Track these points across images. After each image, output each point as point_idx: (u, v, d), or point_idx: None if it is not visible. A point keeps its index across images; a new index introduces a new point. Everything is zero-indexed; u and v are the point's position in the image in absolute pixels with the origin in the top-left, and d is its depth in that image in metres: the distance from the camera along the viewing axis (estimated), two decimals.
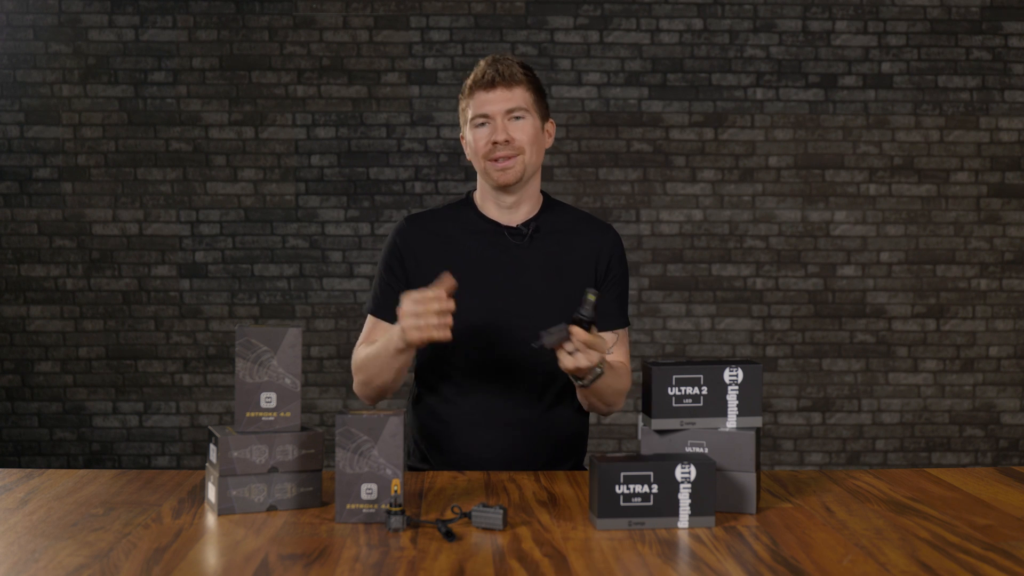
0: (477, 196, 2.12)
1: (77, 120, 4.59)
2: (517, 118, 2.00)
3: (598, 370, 1.85)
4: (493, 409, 2.02)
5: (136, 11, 4.57)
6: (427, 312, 1.76)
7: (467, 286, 1.97)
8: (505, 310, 2.01)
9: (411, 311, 1.77)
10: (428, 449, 2.08)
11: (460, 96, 2.08)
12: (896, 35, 4.68)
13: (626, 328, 2.12)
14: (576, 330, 1.72)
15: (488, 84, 1.99)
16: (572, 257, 2.07)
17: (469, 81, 2.03)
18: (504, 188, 2.03)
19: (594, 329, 1.75)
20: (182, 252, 4.62)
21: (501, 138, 1.98)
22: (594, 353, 1.75)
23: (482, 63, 2.03)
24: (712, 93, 4.67)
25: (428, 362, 2.09)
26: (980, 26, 4.68)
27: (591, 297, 1.71)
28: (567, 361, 1.75)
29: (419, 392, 2.13)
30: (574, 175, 4.65)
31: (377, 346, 1.96)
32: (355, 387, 2.07)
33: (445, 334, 1.77)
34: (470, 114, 2.02)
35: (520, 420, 2.02)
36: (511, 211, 2.07)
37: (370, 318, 2.09)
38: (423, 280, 2.02)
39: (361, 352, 2.03)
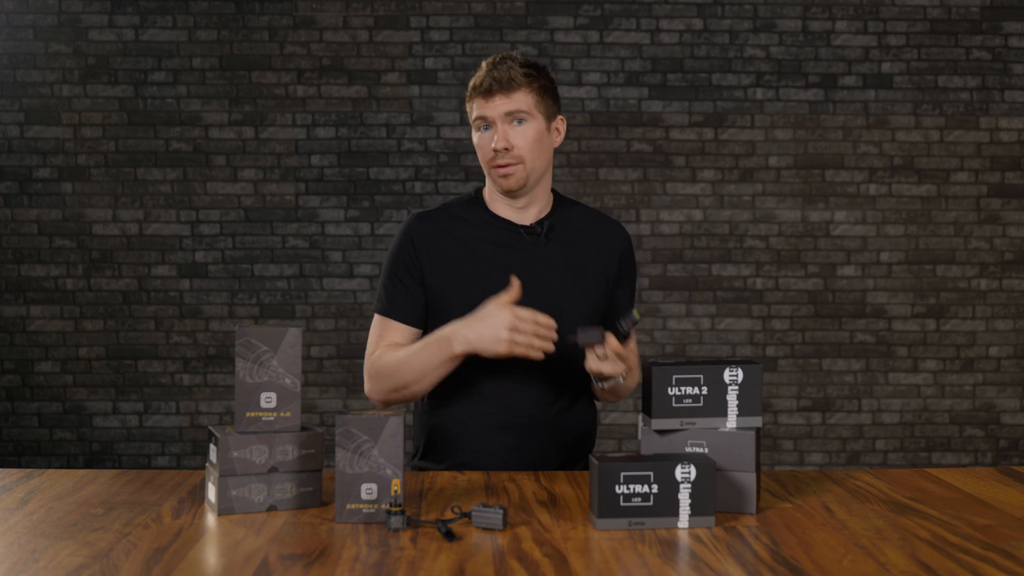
0: (486, 193, 2.09)
1: (77, 120, 4.60)
2: (519, 122, 1.97)
3: (620, 378, 1.90)
4: (511, 411, 2.00)
5: (136, 11, 4.58)
6: (534, 328, 1.80)
7: (485, 285, 1.96)
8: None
9: (515, 326, 1.80)
10: (442, 448, 2.05)
11: (467, 96, 2.05)
12: (896, 35, 4.68)
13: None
14: (612, 340, 1.80)
15: (486, 92, 1.96)
16: (588, 255, 2.06)
17: (470, 85, 2.00)
18: (509, 193, 2.01)
19: (629, 343, 1.86)
20: (182, 252, 4.62)
21: (500, 146, 1.95)
22: (620, 364, 1.83)
23: (484, 66, 1.99)
24: (712, 93, 4.67)
25: None
26: (980, 26, 4.68)
27: (636, 316, 1.81)
28: (594, 364, 1.82)
29: (434, 393, 2.08)
30: (574, 175, 4.66)
31: (417, 352, 1.91)
32: (375, 392, 2.00)
33: (547, 347, 1.82)
34: (473, 118, 2.01)
35: (537, 422, 2.00)
36: (522, 211, 2.05)
37: (381, 319, 2.03)
38: (438, 279, 2.00)
39: (388, 357, 1.96)
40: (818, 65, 4.67)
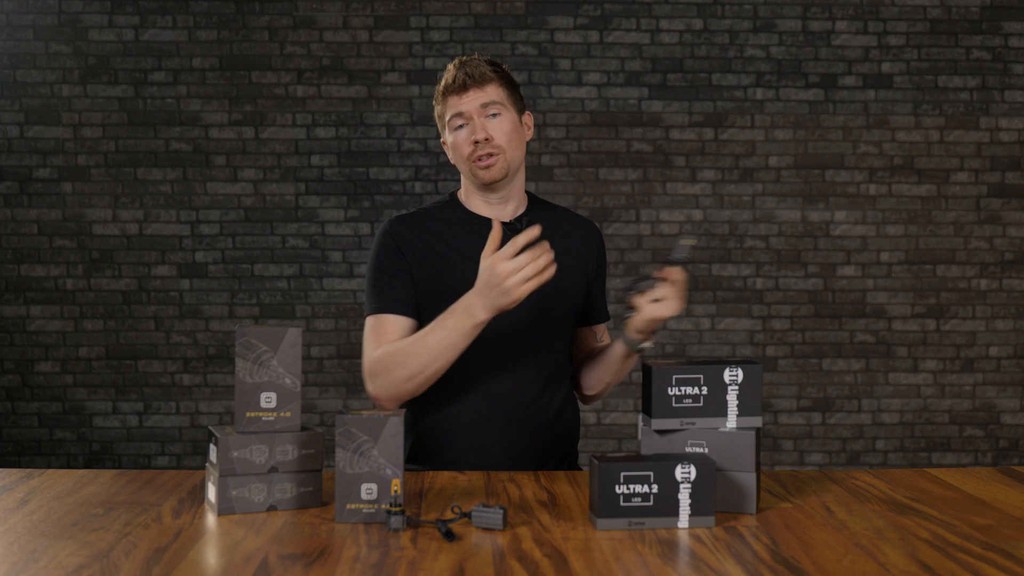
0: (462, 194, 2.12)
1: (77, 120, 4.59)
2: (494, 115, 2.01)
3: (654, 336, 1.97)
4: (494, 407, 2.01)
5: (136, 11, 4.57)
6: (531, 265, 1.74)
7: (466, 280, 1.97)
8: None
9: (510, 272, 1.74)
10: (431, 447, 2.07)
11: (435, 102, 2.08)
12: (896, 35, 4.68)
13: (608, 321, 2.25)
14: (674, 272, 1.84)
15: (460, 88, 2.00)
16: (567, 250, 2.08)
17: (441, 86, 2.04)
18: (490, 185, 2.03)
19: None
20: (182, 252, 4.62)
21: (481, 137, 1.98)
22: (680, 302, 1.88)
23: (450, 67, 2.03)
24: (712, 93, 4.66)
25: None
26: (980, 26, 4.68)
27: (690, 242, 1.81)
28: (654, 311, 1.87)
29: (418, 395, 2.10)
30: (574, 175, 4.65)
31: (431, 331, 1.88)
32: (384, 389, 1.96)
33: (549, 266, 1.76)
34: (447, 118, 2.03)
35: (520, 416, 2.02)
36: (499, 207, 2.08)
37: (375, 319, 2.01)
38: (419, 274, 2.03)
39: (396, 346, 1.94)
40: (818, 65, 4.67)
